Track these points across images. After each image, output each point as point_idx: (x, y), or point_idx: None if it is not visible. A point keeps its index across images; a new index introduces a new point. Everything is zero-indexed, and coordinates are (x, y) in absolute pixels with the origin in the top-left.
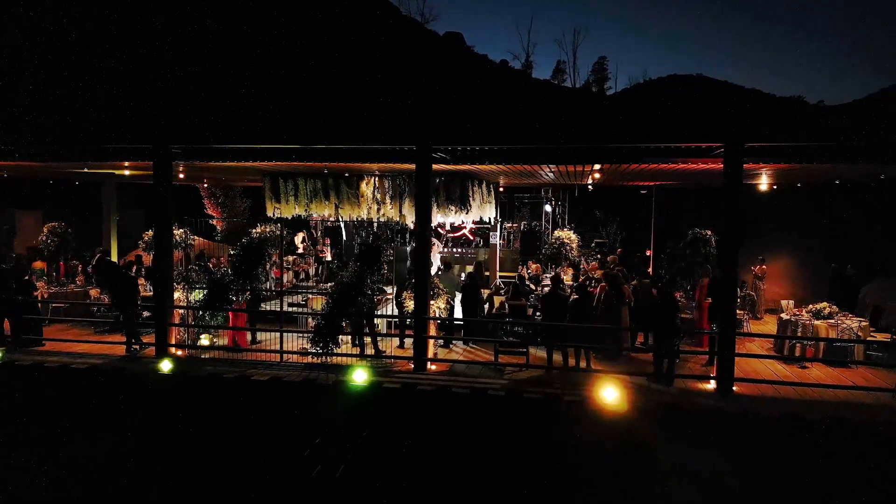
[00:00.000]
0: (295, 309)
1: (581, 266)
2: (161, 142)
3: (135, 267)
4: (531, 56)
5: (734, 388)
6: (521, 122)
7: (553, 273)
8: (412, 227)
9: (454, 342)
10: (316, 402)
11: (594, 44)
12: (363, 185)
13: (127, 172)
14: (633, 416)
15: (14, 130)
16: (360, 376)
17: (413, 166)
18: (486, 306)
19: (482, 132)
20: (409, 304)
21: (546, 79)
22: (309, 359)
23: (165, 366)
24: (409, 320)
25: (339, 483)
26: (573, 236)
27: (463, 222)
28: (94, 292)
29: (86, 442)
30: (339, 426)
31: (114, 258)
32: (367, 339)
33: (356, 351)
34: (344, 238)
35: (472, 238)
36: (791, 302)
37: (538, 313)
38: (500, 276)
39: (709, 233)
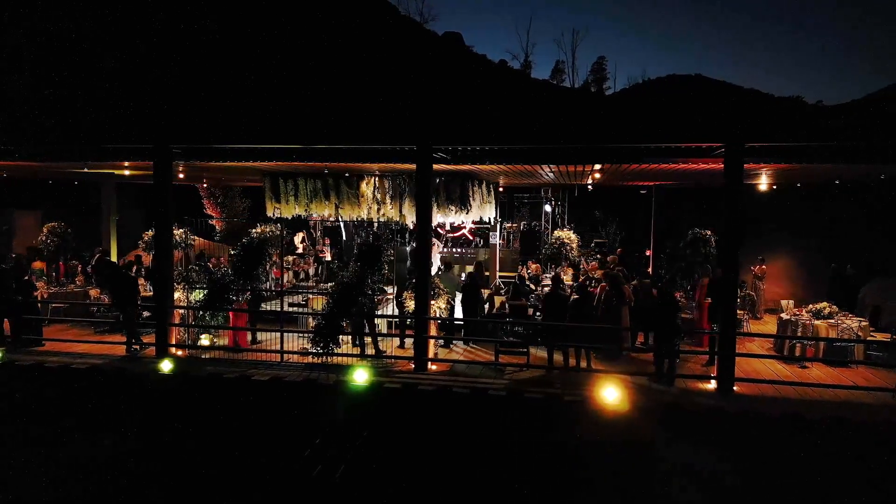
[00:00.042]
0: (295, 309)
1: (581, 266)
2: (161, 142)
3: (135, 267)
4: (530, 56)
5: (735, 387)
6: (522, 123)
7: (553, 273)
8: (412, 227)
9: (454, 342)
10: (317, 403)
11: (593, 44)
12: (363, 185)
13: (127, 172)
14: (634, 416)
15: (14, 130)
16: (360, 376)
17: (413, 166)
18: (487, 306)
19: (482, 132)
20: (410, 304)
21: (545, 79)
22: (309, 359)
23: (166, 366)
24: (409, 320)
25: (339, 483)
26: (573, 236)
27: (462, 222)
28: (93, 292)
29: (86, 442)
30: (340, 426)
31: (113, 258)
32: (368, 339)
33: (356, 351)
34: (343, 238)
35: (471, 238)
36: (791, 302)
37: (538, 313)
38: (500, 276)
39: (708, 233)
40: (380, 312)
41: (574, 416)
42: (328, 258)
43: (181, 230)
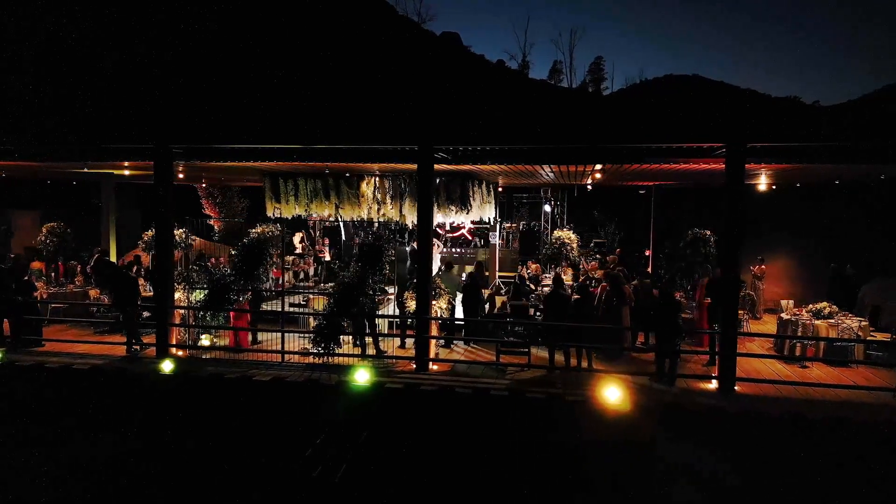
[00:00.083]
0: (296, 309)
1: (581, 266)
2: (162, 142)
3: (135, 267)
4: (528, 56)
5: (736, 387)
6: (523, 123)
7: (553, 273)
8: (411, 227)
9: (455, 342)
10: (318, 403)
11: (590, 44)
12: (364, 186)
13: (126, 172)
14: (635, 416)
15: (14, 130)
16: (362, 376)
17: (414, 166)
18: (487, 306)
19: (483, 132)
20: (411, 304)
21: (543, 79)
22: (310, 359)
23: (167, 366)
24: (410, 320)
25: (340, 483)
26: (573, 236)
27: (462, 222)
28: (93, 293)
29: (86, 442)
30: (342, 426)
31: (112, 258)
32: (369, 340)
33: (357, 351)
34: (343, 238)
35: (470, 238)
36: (791, 302)
37: (538, 313)
38: (500, 276)
39: (708, 233)
40: (380, 312)
41: (576, 416)
42: (327, 258)
43: (181, 230)
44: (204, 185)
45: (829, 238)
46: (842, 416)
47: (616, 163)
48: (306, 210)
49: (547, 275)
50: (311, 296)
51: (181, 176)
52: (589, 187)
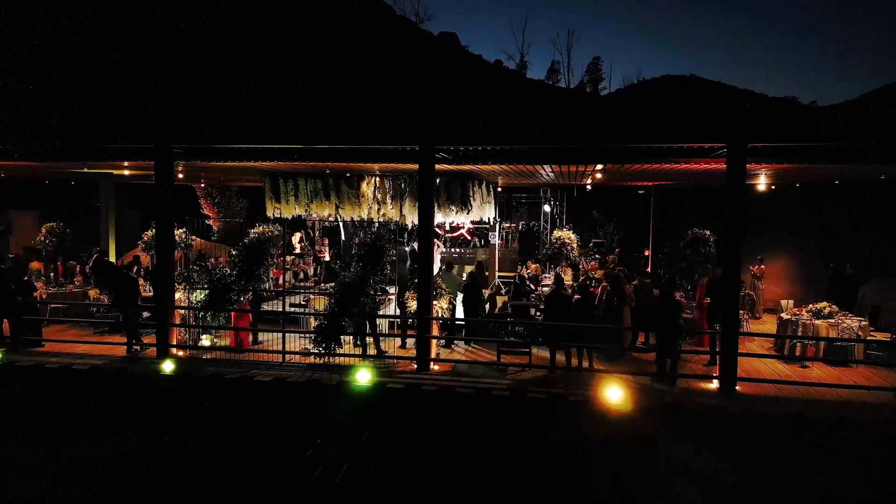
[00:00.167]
0: (297, 309)
1: (580, 266)
2: (162, 142)
3: (135, 267)
4: (525, 56)
5: (737, 387)
6: (524, 123)
7: (553, 273)
8: (411, 228)
9: (456, 342)
10: (319, 403)
11: (588, 44)
12: (364, 186)
13: (126, 172)
14: (637, 416)
15: (14, 130)
16: (363, 376)
17: (414, 166)
18: (487, 306)
19: (484, 133)
20: (412, 304)
21: (541, 79)
22: (311, 359)
23: (167, 366)
24: (410, 320)
25: (341, 483)
26: (573, 236)
27: (462, 223)
28: (93, 293)
29: (86, 442)
30: (343, 426)
31: (112, 258)
32: (370, 340)
33: (358, 351)
34: (342, 238)
35: (469, 238)
36: (791, 302)
37: (539, 313)
38: (499, 276)
39: (708, 233)
40: (381, 312)
41: (577, 416)
42: (327, 258)
43: (181, 230)
44: (202, 185)
45: (828, 238)
46: (842, 415)
47: (617, 163)
48: (306, 210)
49: (547, 275)
50: (311, 296)
51: (181, 176)
52: (588, 187)
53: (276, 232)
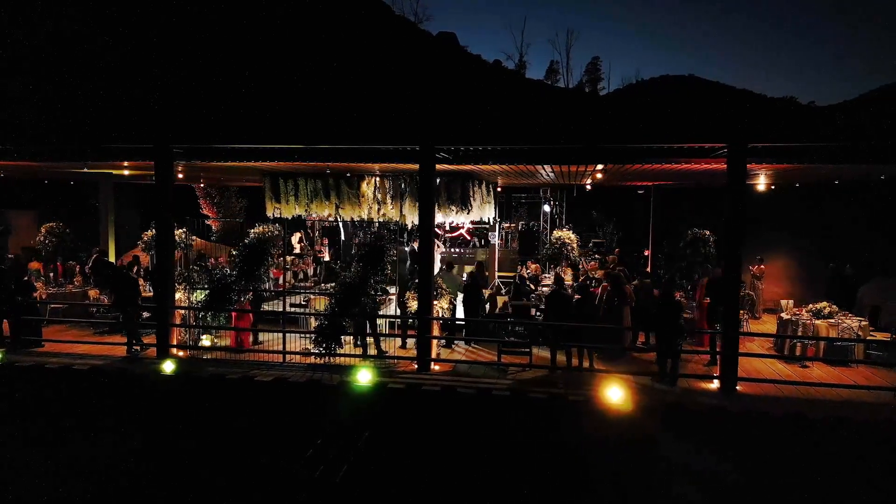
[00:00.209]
0: (297, 309)
1: (580, 266)
2: (162, 142)
3: (135, 267)
4: (524, 56)
5: (737, 387)
6: (524, 123)
7: (554, 273)
8: (411, 228)
9: (457, 342)
10: (320, 403)
11: (587, 44)
12: (364, 186)
13: (126, 172)
14: (637, 416)
15: (14, 130)
16: (364, 377)
17: (414, 166)
18: (488, 306)
19: (485, 133)
20: (412, 305)
21: (540, 79)
22: (312, 359)
23: (167, 367)
24: (411, 320)
25: (341, 484)
26: (573, 236)
27: (461, 222)
28: (92, 293)
29: (86, 442)
30: (344, 427)
31: (112, 258)
32: (370, 340)
33: (359, 351)
34: (342, 238)
35: (469, 238)
36: (791, 302)
37: (539, 313)
38: (499, 276)
39: (708, 233)
40: (382, 312)
41: (578, 416)
42: (327, 258)
43: (181, 230)
44: (202, 185)
45: (828, 238)
46: (842, 415)
47: (617, 163)
48: (306, 210)
49: (547, 275)
50: (311, 296)
51: (181, 176)
52: (588, 187)
53: (276, 232)
